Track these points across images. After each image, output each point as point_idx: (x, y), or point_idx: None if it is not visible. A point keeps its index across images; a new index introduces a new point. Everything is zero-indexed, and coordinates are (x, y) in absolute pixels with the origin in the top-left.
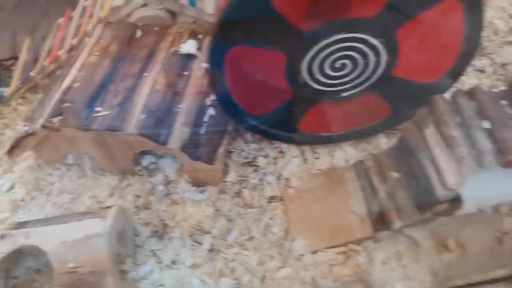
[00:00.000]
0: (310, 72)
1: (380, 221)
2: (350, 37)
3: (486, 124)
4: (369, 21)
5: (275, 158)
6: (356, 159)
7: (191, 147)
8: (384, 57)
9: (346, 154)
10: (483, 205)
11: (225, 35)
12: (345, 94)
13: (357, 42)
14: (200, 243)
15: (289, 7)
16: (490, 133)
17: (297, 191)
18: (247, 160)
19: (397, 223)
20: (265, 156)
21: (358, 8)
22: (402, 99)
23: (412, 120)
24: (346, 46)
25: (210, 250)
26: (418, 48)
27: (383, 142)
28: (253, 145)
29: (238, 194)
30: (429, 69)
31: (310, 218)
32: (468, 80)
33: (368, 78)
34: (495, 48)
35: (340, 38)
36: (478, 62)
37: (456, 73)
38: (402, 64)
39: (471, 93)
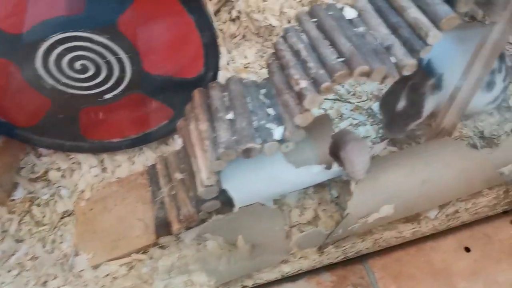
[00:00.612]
0: (53, 77)
1: (162, 226)
2: (71, 37)
3: (230, 115)
4: (81, 17)
5: (71, 170)
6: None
7: None
8: (122, 54)
9: (147, 158)
10: (258, 198)
11: None
12: (107, 96)
13: (81, 41)
14: None
15: None
16: (232, 124)
17: (89, 202)
18: (38, 175)
19: (176, 226)
20: (58, 169)
21: (62, 6)
22: (173, 96)
23: (183, 117)
24: (73, 46)
25: None
26: (159, 43)
27: (179, 142)
28: (46, 159)
29: (28, 212)
30: (185, 65)
31: (96, 230)
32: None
33: (121, 77)
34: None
35: (61, 39)
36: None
37: (211, 68)
38: (149, 60)
39: (225, 84)
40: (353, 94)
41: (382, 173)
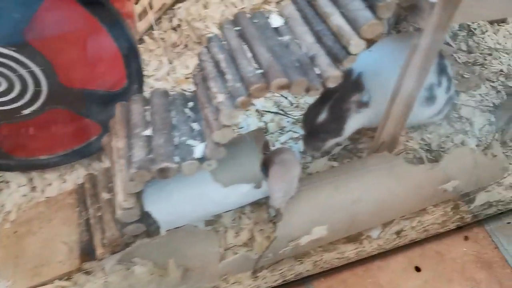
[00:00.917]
0: None
1: (87, 251)
2: None
3: (148, 131)
4: None
5: None
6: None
7: None
8: (34, 67)
9: (78, 176)
10: (187, 220)
11: None
12: (26, 111)
13: None
14: None
15: None
16: (149, 141)
17: (13, 224)
18: None
19: (100, 251)
20: None
21: None
22: (100, 111)
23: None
24: None
25: None
26: (73, 55)
27: None
28: None
29: None
30: (106, 77)
31: (19, 255)
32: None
33: (38, 92)
34: None
35: None
36: None
37: (135, 80)
38: (65, 73)
39: (150, 97)
40: (296, 107)
41: (314, 191)
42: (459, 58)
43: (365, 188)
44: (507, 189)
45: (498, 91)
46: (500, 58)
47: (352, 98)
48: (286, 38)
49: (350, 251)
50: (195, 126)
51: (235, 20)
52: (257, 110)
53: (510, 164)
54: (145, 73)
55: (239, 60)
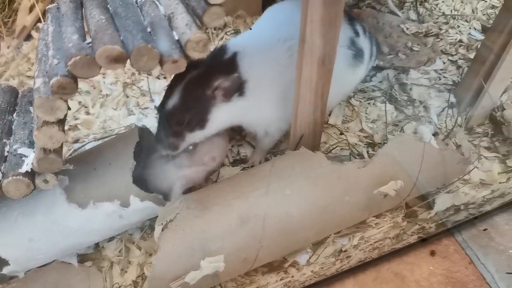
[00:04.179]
0: None
1: None
2: None
3: None
4: None
5: None
6: None
7: None
8: None
9: None
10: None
11: None
12: None
13: None
14: None
15: None
16: None
17: None
18: None
19: None
20: None
21: None
22: None
23: None
24: None
25: None
26: None
27: None
28: None
29: None
30: None
31: None
32: None
33: None
34: None
35: None
36: None
37: None
38: None
39: None
40: None
41: (201, 212)
42: (407, 29)
43: (273, 200)
44: (477, 188)
45: (459, 66)
46: (459, 27)
47: (215, 82)
48: None
49: (275, 284)
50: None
51: None
52: (155, 107)
53: (480, 156)
54: None
55: (64, 29)
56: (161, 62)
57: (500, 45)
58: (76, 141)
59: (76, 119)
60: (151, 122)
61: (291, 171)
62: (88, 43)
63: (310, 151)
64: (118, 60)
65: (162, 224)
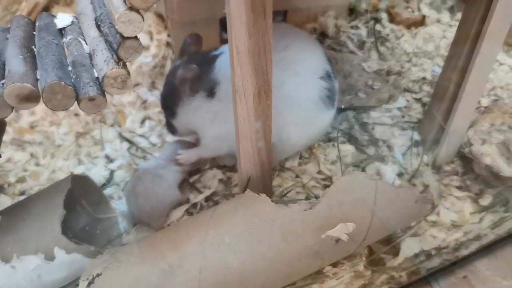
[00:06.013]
0: None
1: None
2: None
3: None
4: None
5: None
6: None
7: None
8: None
9: None
10: None
11: None
12: None
13: None
14: None
15: None
16: None
17: None
18: None
19: None
20: None
21: None
22: None
23: None
24: None
25: None
26: None
27: None
28: None
29: None
30: None
31: None
32: None
33: None
34: None
35: None
36: None
37: None
38: None
39: None
40: (160, 147)
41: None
42: (368, 67)
43: (210, 249)
44: (447, 230)
45: (424, 104)
46: (422, 64)
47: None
48: (68, 38)
49: None
50: None
51: (12, 22)
52: (106, 156)
53: (448, 195)
54: None
55: None
56: (78, 101)
57: (455, 80)
58: (22, 193)
59: (25, 170)
60: (100, 171)
61: (232, 216)
62: (2, 83)
63: (255, 194)
64: (29, 99)
65: (87, 279)
